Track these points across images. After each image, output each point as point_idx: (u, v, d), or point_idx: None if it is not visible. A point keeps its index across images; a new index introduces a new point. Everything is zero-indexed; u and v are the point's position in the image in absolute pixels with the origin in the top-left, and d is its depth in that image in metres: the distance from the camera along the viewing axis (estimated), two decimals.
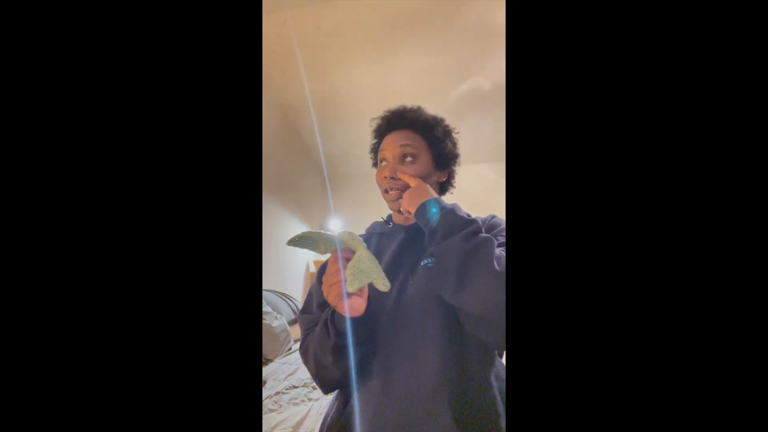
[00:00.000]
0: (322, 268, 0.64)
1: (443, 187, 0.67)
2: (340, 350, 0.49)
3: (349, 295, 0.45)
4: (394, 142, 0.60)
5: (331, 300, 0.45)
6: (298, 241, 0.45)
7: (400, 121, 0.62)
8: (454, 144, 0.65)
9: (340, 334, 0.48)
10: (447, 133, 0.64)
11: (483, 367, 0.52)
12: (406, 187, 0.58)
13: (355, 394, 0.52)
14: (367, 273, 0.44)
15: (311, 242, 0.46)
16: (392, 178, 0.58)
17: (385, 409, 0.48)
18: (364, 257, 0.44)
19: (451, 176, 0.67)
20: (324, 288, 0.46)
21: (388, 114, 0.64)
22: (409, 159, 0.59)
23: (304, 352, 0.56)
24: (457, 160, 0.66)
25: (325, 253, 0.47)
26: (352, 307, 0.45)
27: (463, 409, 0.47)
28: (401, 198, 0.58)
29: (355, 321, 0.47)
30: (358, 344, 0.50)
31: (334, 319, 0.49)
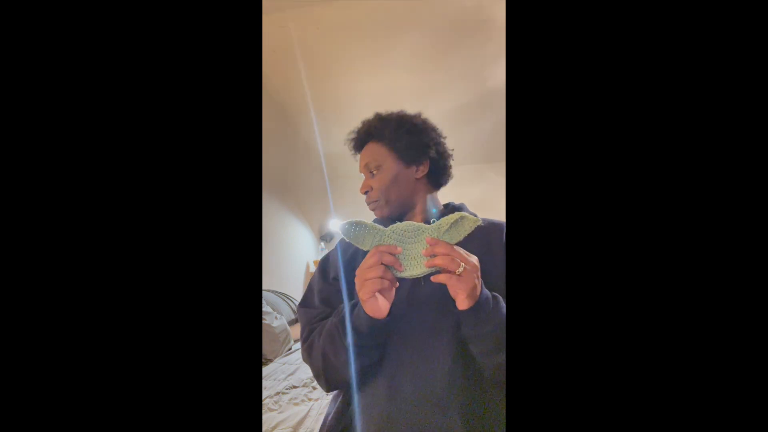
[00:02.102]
0: (323, 262, 0.64)
1: (433, 181, 0.64)
2: (355, 350, 0.48)
3: (379, 294, 0.44)
4: (361, 161, 0.64)
5: (363, 295, 0.43)
6: (353, 234, 0.46)
7: (360, 137, 0.65)
8: (421, 131, 0.62)
9: (360, 334, 0.47)
10: (401, 124, 0.61)
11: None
12: (380, 196, 0.60)
13: (359, 396, 0.51)
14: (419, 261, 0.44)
15: (361, 233, 0.46)
16: (365, 192, 0.62)
17: (393, 412, 0.47)
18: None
19: (437, 167, 0.63)
20: (357, 281, 0.44)
21: (350, 136, 0.67)
22: (374, 173, 0.61)
23: (308, 348, 0.54)
24: (434, 149, 0.62)
25: (368, 248, 0.46)
26: (379, 308, 0.44)
27: (473, 413, 0.46)
28: (378, 207, 0.61)
29: (377, 322, 0.46)
30: (374, 347, 0.49)
31: (353, 319, 0.47)
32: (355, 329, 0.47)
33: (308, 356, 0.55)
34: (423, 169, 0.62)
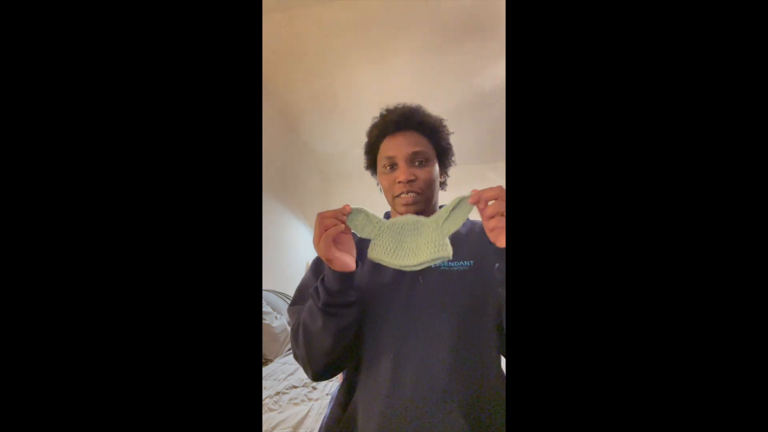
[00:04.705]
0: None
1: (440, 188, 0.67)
2: (329, 311, 0.49)
3: (339, 250, 0.46)
4: (404, 145, 0.59)
5: (323, 251, 0.45)
6: (356, 221, 0.48)
7: (408, 122, 0.60)
8: (449, 138, 0.65)
9: (331, 292, 0.48)
10: (448, 134, 0.64)
11: (494, 367, 0.52)
12: (423, 189, 0.58)
13: (359, 396, 0.52)
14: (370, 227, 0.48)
15: (362, 221, 0.48)
16: (408, 182, 0.57)
17: (394, 411, 0.47)
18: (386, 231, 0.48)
19: (447, 174, 0.68)
20: (315, 240, 0.46)
21: (389, 113, 0.62)
22: (418, 163, 0.58)
23: (294, 334, 0.55)
24: (453, 160, 0.67)
25: (366, 236, 0.49)
26: (345, 262, 0.46)
27: (474, 409, 0.47)
28: (417, 202, 0.58)
29: (344, 280, 0.48)
30: (349, 305, 0.50)
31: (323, 280, 0.49)
32: (327, 291, 0.48)
33: (295, 343, 0.55)
34: (443, 177, 0.66)
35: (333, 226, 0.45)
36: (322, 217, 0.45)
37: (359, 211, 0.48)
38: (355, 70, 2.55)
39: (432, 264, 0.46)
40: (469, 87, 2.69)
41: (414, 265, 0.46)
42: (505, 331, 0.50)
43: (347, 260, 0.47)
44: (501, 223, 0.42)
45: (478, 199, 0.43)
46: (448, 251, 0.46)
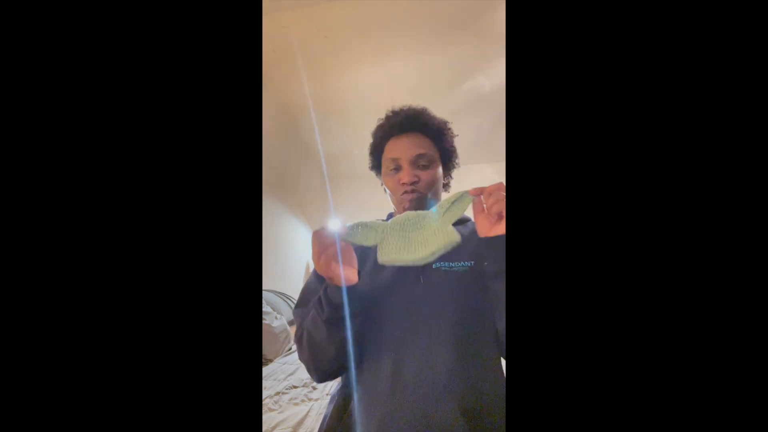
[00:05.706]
0: None
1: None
2: (333, 322, 0.49)
3: (340, 264, 0.47)
4: (408, 147, 0.59)
5: (323, 270, 0.46)
6: (358, 235, 0.48)
7: (412, 124, 0.61)
8: (453, 141, 0.66)
9: (334, 305, 0.49)
10: (452, 137, 0.65)
11: (494, 367, 0.52)
12: (426, 191, 0.59)
13: (359, 395, 0.52)
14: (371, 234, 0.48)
15: (364, 232, 0.49)
16: (411, 183, 0.58)
17: (395, 410, 0.47)
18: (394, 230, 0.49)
19: (449, 178, 0.69)
20: (314, 259, 0.46)
21: (394, 115, 0.63)
22: (422, 165, 0.59)
23: (299, 338, 0.55)
24: (456, 162, 0.68)
25: (372, 244, 0.49)
26: (348, 277, 0.47)
27: (474, 409, 0.47)
28: (420, 203, 0.59)
29: (348, 292, 0.48)
30: (352, 316, 0.50)
31: (327, 293, 0.50)
32: (330, 302, 0.49)
33: (299, 347, 0.55)
34: (446, 180, 0.67)
35: (331, 244, 0.45)
36: (319, 236, 0.46)
37: (356, 225, 0.48)
38: (355, 70, 2.55)
39: (444, 251, 0.47)
40: (468, 87, 2.69)
41: (427, 256, 0.47)
42: (500, 332, 0.51)
43: (349, 275, 0.47)
44: (498, 207, 0.44)
45: (481, 191, 0.47)
46: (456, 236, 0.47)
